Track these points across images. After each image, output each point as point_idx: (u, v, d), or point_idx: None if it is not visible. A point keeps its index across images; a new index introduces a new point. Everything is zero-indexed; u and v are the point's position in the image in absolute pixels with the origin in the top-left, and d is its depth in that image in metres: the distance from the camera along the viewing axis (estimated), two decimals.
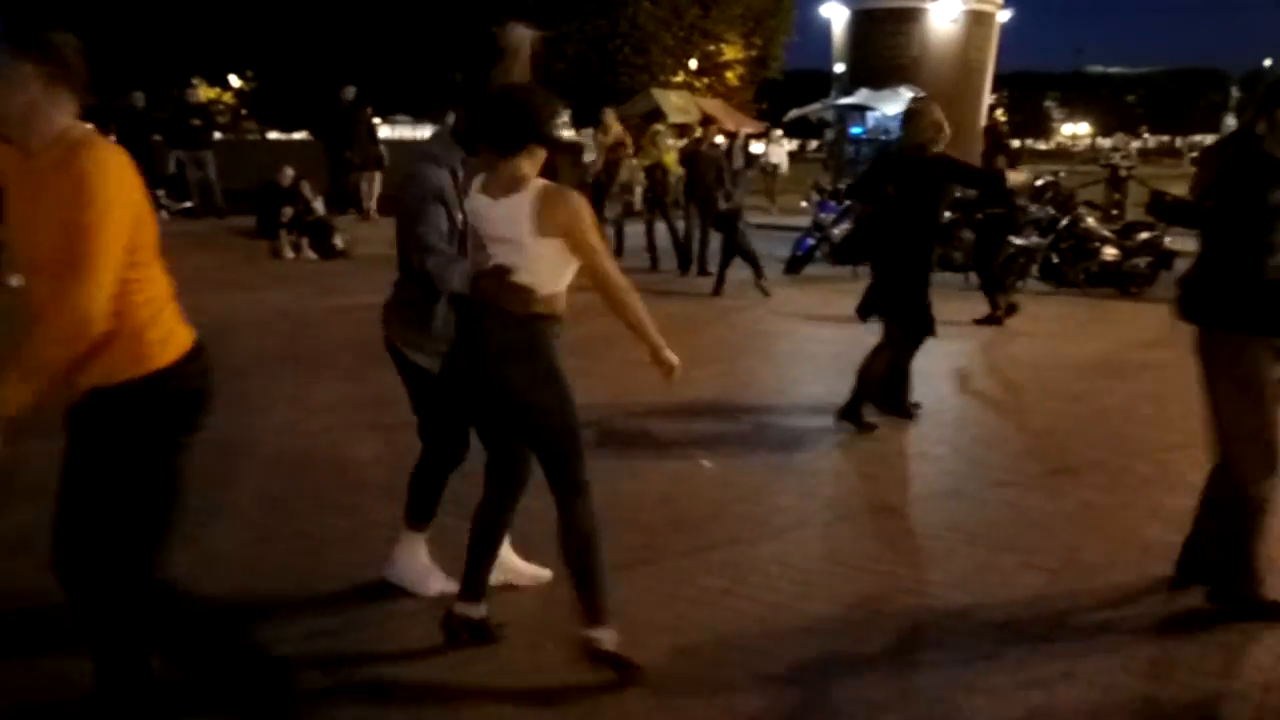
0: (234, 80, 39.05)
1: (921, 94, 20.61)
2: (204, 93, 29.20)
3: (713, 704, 3.22)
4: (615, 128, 14.78)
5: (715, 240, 11.86)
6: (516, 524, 3.65)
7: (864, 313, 6.31)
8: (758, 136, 28.26)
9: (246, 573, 4.04)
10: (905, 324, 6.17)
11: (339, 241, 13.58)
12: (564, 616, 3.49)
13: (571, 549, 3.34)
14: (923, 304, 6.13)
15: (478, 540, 3.48)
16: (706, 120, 14.15)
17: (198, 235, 14.45)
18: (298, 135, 37.86)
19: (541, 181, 3.15)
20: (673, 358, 3.38)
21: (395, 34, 29.77)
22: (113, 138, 13.18)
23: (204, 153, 16.71)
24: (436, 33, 29.51)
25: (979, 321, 9.53)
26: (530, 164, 3.15)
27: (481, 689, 3.27)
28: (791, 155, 27.65)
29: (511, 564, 3.95)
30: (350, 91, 16.80)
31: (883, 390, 6.29)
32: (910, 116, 6.17)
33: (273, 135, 36.54)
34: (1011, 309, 9.85)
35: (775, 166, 23.57)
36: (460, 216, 3.50)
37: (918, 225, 6.06)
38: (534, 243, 3.09)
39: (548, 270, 3.15)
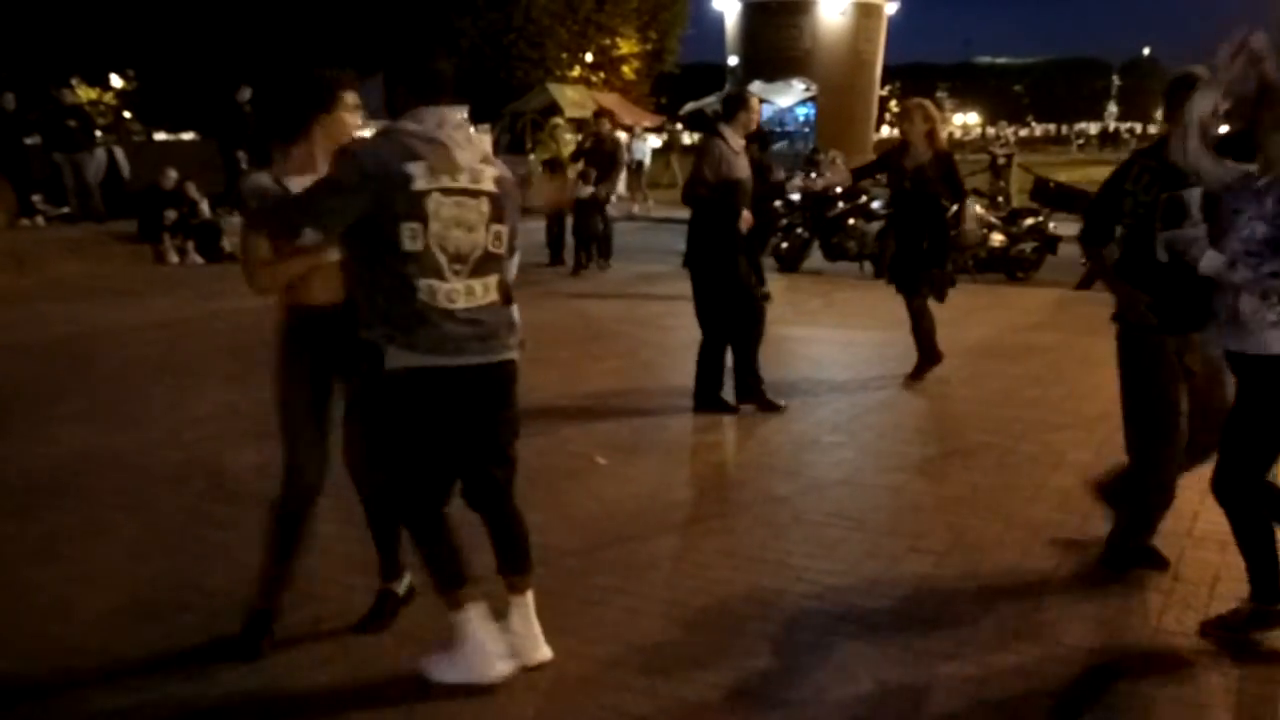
0: (115, 80, 37.76)
1: (814, 86, 20.97)
2: (83, 93, 28.15)
3: (603, 704, 3.17)
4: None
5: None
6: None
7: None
8: (654, 130, 28.37)
9: (119, 591, 3.87)
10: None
11: (227, 244, 13.20)
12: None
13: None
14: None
15: None
16: (599, 114, 14.10)
17: (75, 241, 13.86)
18: (186, 135, 36.78)
19: None
20: None
21: (282, 31, 29.09)
22: None
23: (81, 155, 16.05)
24: (322, 30, 28.96)
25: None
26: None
27: (354, 691, 3.18)
28: (686, 148, 27.78)
29: None
30: (246, 92, 16.27)
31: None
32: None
33: (159, 136, 35.41)
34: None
35: (640, 163, 22.59)
36: None
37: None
38: None
39: None
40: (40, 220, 14.58)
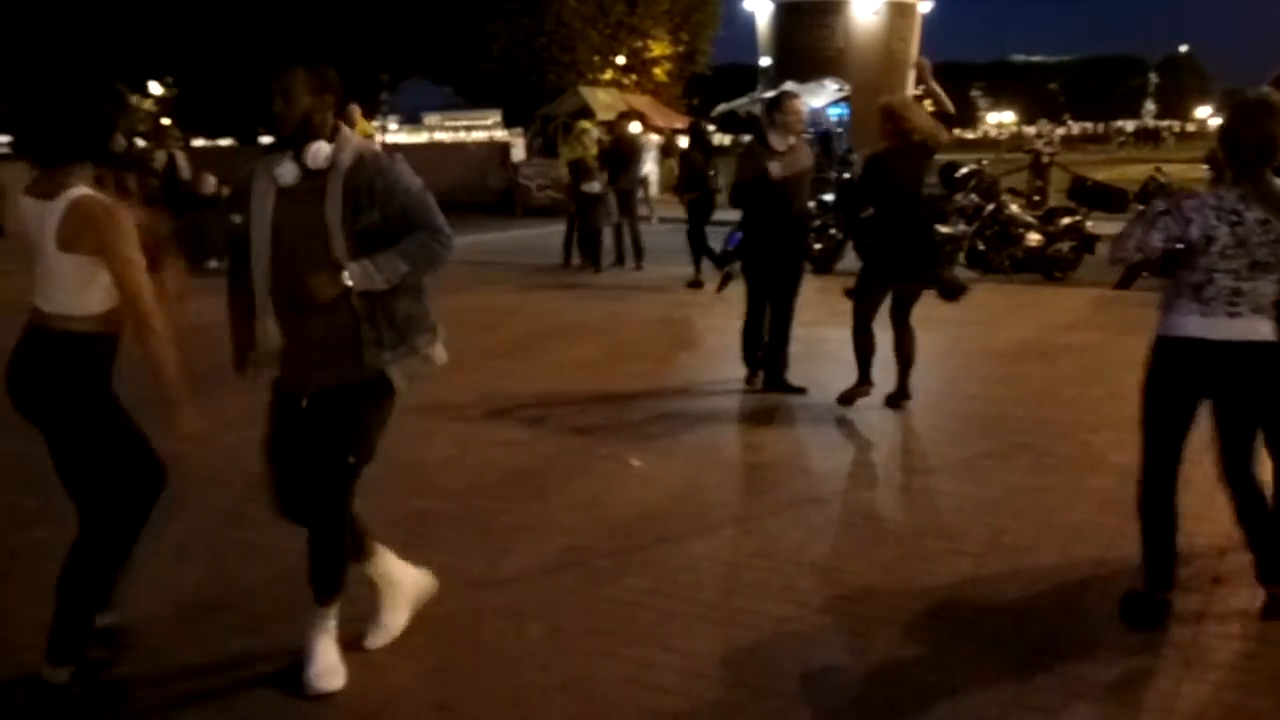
0: (155, 87, 38.26)
1: (847, 86, 20.86)
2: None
3: (638, 705, 3.17)
4: (361, 125, 13.39)
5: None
6: None
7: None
8: (681, 132, 28.39)
9: (161, 590, 3.90)
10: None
11: None
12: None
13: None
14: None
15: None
16: (622, 115, 14.17)
17: None
18: (224, 142, 37.23)
19: (79, 191, 2.93)
20: (191, 422, 3.13)
21: (319, 37, 29.35)
22: None
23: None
24: (357, 36, 29.18)
25: (689, 285, 11.45)
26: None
27: (393, 695, 3.20)
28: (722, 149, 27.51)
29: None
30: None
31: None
32: None
33: (197, 142, 35.88)
34: (697, 284, 11.44)
35: (644, 177, 19.12)
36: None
37: None
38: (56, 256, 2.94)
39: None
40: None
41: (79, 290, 2.96)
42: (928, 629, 3.65)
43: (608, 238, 13.43)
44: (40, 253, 2.95)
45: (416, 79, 38.74)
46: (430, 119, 33.85)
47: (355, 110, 13.12)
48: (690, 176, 12.16)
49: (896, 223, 6.30)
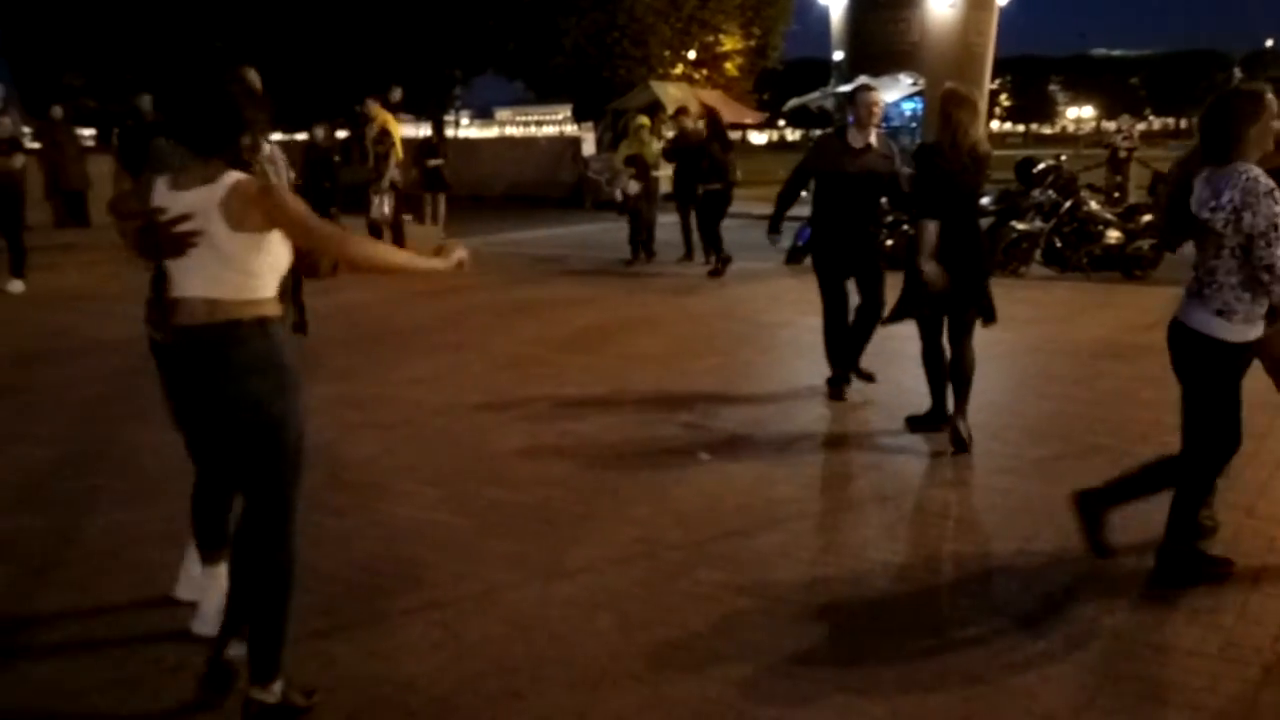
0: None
1: (921, 80, 20.58)
2: None
3: (706, 697, 3.19)
4: (381, 117, 13.36)
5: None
6: None
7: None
8: (757, 127, 28.23)
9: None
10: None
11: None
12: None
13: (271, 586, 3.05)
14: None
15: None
16: (679, 111, 14.04)
17: None
18: (299, 136, 37.77)
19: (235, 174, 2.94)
20: (459, 253, 3.11)
21: (393, 33, 29.76)
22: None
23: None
24: (431, 32, 29.47)
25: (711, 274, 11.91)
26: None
27: (461, 676, 3.25)
28: (787, 144, 27.28)
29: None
30: (397, 93, 15.80)
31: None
32: None
33: (275, 137, 36.55)
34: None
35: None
36: None
37: None
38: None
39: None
40: None
41: (259, 270, 2.93)
42: (1000, 630, 3.61)
43: (673, 233, 13.45)
44: (206, 238, 2.88)
45: (489, 74, 39.05)
46: (501, 114, 34.21)
47: (374, 104, 13.17)
48: (710, 168, 12.23)
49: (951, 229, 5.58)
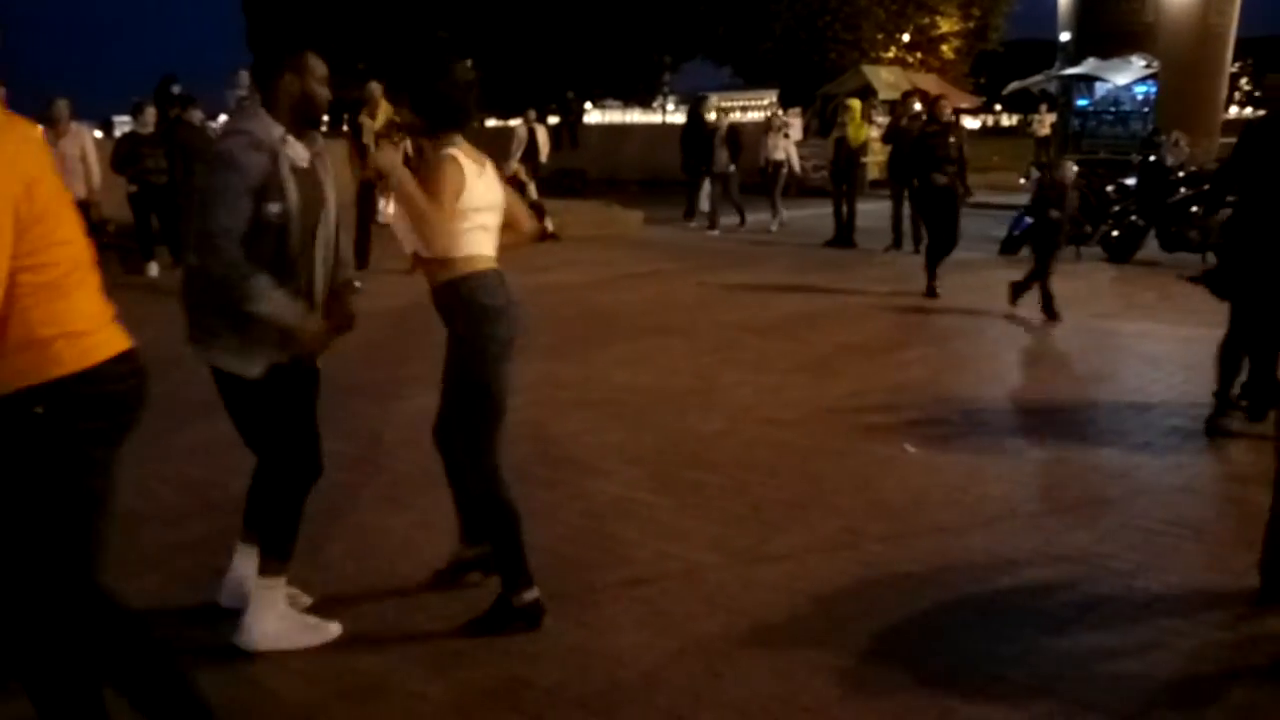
0: None
1: (1155, 63, 19.38)
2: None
3: (915, 695, 3.11)
4: (385, 106, 11.63)
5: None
6: None
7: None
8: (972, 112, 27.26)
9: (454, 538, 4.06)
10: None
11: (549, 224, 13.89)
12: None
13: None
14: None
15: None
16: (906, 95, 13.72)
17: None
18: (513, 121, 38.99)
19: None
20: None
21: (605, 20, 30.26)
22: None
23: None
24: (641, 19, 29.76)
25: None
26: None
27: (663, 651, 3.29)
28: (1001, 130, 26.16)
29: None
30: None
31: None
32: None
33: (490, 122, 37.86)
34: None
35: (779, 164, 16.79)
36: (279, 208, 3.11)
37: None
38: None
39: None
40: None
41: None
42: (1225, 644, 3.37)
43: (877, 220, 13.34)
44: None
45: (698, 60, 39.17)
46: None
47: (377, 89, 11.65)
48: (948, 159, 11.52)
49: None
